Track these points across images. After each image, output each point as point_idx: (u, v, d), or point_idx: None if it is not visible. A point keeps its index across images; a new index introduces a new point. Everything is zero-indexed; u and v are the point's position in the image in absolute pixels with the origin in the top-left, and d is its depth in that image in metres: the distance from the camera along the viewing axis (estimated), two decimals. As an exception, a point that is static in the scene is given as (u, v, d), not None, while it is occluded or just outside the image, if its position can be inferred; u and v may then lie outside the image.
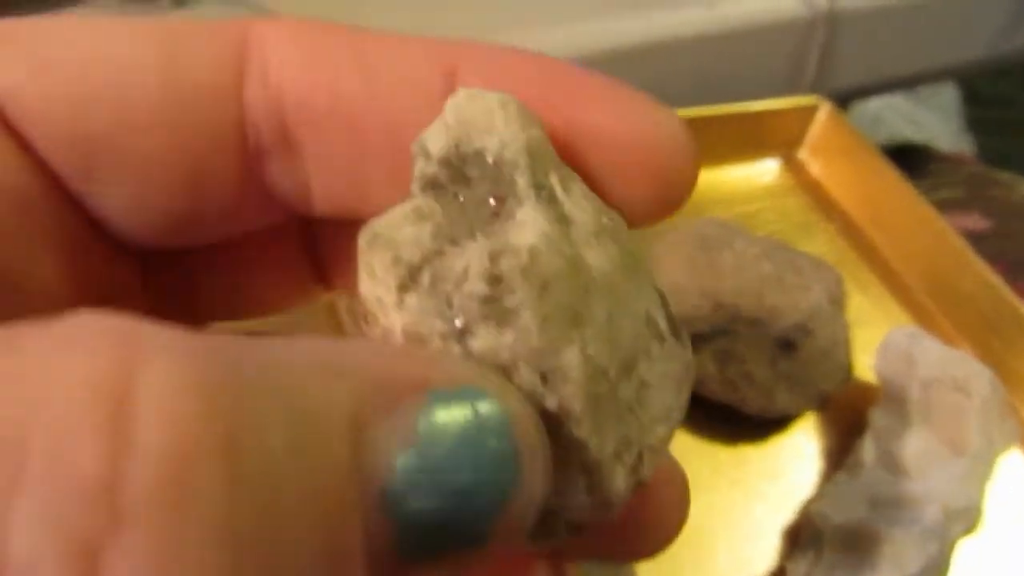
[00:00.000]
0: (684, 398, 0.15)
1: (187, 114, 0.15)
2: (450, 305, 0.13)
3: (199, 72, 0.15)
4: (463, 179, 0.14)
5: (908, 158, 0.68)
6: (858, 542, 0.38)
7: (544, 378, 0.13)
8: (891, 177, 0.55)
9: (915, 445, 0.41)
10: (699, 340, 0.42)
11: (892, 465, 0.41)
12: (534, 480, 0.12)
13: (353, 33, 0.16)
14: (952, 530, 0.38)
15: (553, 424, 0.13)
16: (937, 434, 0.41)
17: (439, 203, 0.14)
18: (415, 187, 0.14)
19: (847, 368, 0.44)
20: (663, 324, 0.15)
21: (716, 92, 0.59)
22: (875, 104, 0.84)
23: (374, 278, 0.13)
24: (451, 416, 0.11)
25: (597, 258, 0.14)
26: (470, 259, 0.13)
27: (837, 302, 0.45)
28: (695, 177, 0.15)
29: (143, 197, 0.15)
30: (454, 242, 0.13)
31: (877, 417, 0.43)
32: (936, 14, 0.71)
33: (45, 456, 0.08)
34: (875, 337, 0.46)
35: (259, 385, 0.10)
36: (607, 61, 0.57)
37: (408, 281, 0.13)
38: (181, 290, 0.19)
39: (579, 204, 0.14)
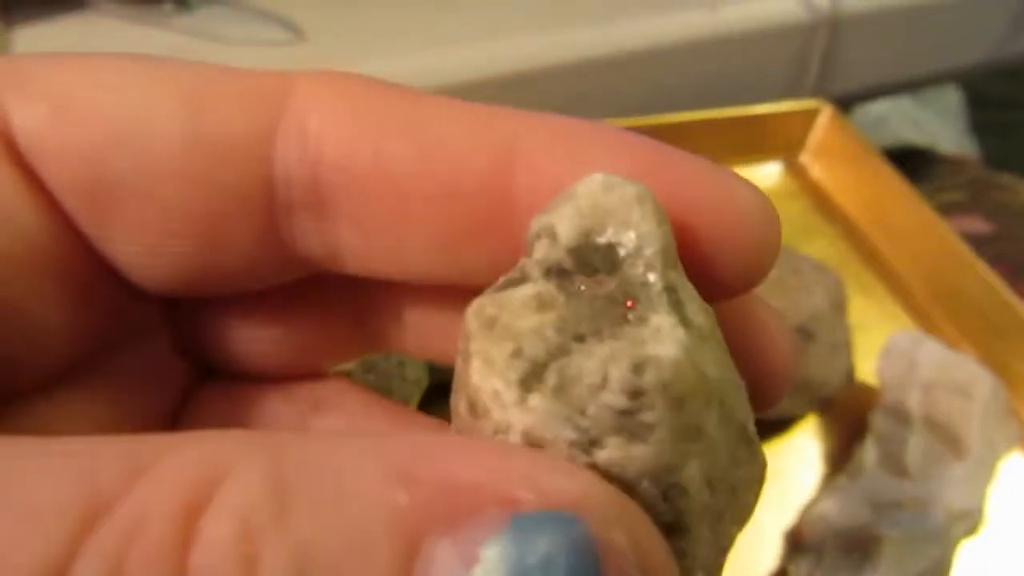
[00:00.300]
0: (758, 497, 0.15)
1: (210, 167, 0.14)
2: (582, 412, 0.12)
3: (227, 124, 0.14)
4: (591, 270, 0.13)
5: (911, 161, 0.68)
6: (860, 544, 0.38)
7: (665, 493, 0.12)
8: (893, 180, 0.55)
9: (917, 448, 0.41)
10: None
11: (894, 468, 0.41)
12: None
13: (406, 94, 0.15)
14: (954, 532, 0.39)
15: (664, 534, 0.12)
16: (939, 437, 0.41)
17: (562, 292, 0.13)
18: (534, 269, 0.14)
19: (849, 371, 0.44)
20: (750, 427, 0.14)
21: (718, 96, 0.59)
22: (878, 107, 0.84)
23: (491, 367, 0.12)
24: (526, 547, 0.10)
25: (712, 367, 0.13)
26: (607, 366, 0.12)
27: (838, 305, 0.45)
28: (778, 248, 0.15)
29: (159, 247, 0.15)
30: (580, 339, 0.13)
31: (879, 420, 0.43)
32: (938, 17, 0.71)
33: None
34: (877, 340, 0.46)
35: (312, 494, 0.10)
36: (610, 66, 0.58)
37: (532, 378, 0.12)
38: (208, 337, 0.18)
39: (693, 304, 0.14)
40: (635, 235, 0.13)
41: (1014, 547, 0.42)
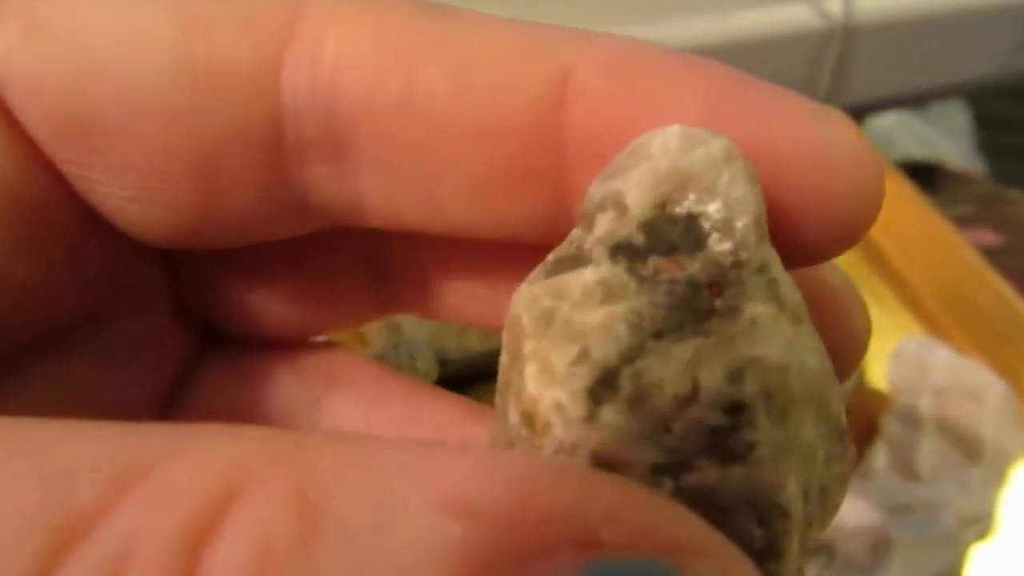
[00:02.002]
0: (845, 494, 0.13)
1: (204, 98, 0.12)
2: (667, 430, 0.10)
3: (224, 49, 0.12)
4: (669, 248, 0.11)
5: (919, 175, 0.69)
6: (871, 547, 0.38)
7: (761, 518, 0.10)
8: (903, 189, 0.55)
9: (928, 452, 0.41)
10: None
11: (905, 471, 0.41)
12: None
13: (438, 12, 0.13)
14: (965, 536, 0.38)
15: (755, 563, 0.10)
16: (951, 441, 0.41)
17: (633, 277, 0.11)
18: (597, 248, 0.11)
19: (859, 376, 0.44)
20: (843, 419, 0.12)
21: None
22: (886, 122, 0.84)
23: (551, 374, 0.10)
24: None
25: (811, 357, 0.11)
26: (695, 371, 0.10)
27: (850, 310, 0.45)
28: (882, 200, 0.12)
29: (148, 190, 0.13)
30: (657, 336, 0.10)
31: (889, 424, 0.43)
32: (952, 30, 0.71)
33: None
34: (887, 348, 0.46)
35: (346, 521, 0.08)
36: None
37: (602, 387, 0.10)
38: (213, 298, 0.17)
39: (785, 280, 0.11)
40: (723, 204, 0.11)
41: (1026, 554, 0.41)
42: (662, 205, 0.11)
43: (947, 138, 0.87)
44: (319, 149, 0.13)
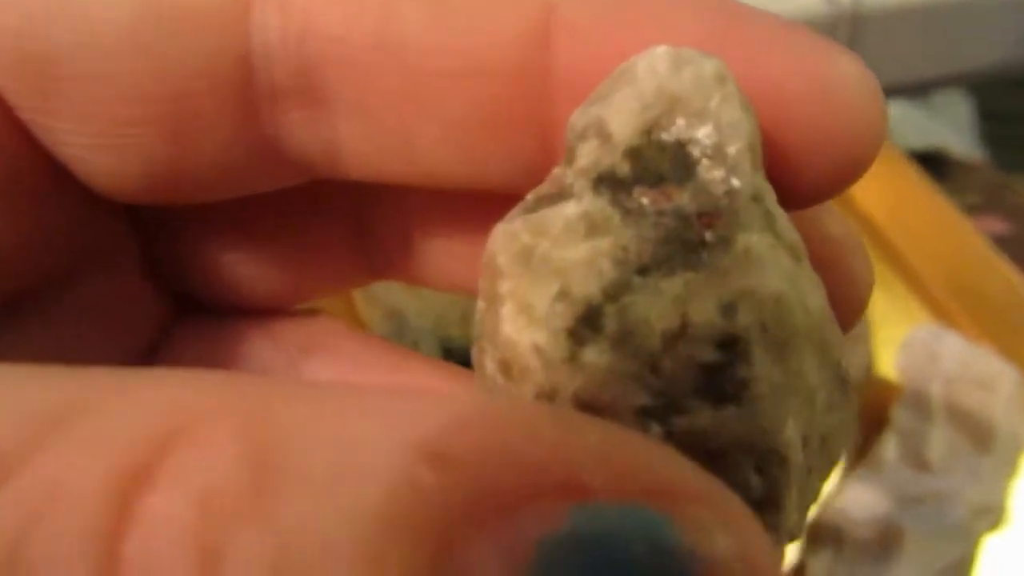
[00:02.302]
0: (850, 443, 0.12)
1: (169, 38, 0.12)
2: (654, 371, 0.09)
3: None
4: (656, 178, 0.10)
5: (925, 165, 0.68)
6: (881, 539, 0.37)
7: (759, 464, 0.10)
8: (912, 177, 0.54)
9: (939, 442, 0.40)
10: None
11: (916, 462, 0.40)
12: None
13: None
14: (977, 527, 0.38)
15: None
16: (961, 431, 0.41)
17: (618, 209, 0.10)
18: (579, 181, 0.11)
19: (868, 366, 0.44)
20: (845, 364, 0.12)
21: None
22: (890, 112, 0.83)
23: (529, 314, 0.10)
24: (594, 551, 0.07)
25: (812, 296, 0.10)
26: (685, 306, 0.09)
27: (858, 298, 0.44)
28: (884, 136, 0.12)
29: (113, 137, 0.12)
30: (644, 272, 0.10)
31: (900, 414, 0.42)
32: (962, 17, 0.71)
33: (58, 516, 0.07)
34: (896, 336, 0.45)
35: (304, 469, 0.07)
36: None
37: (584, 327, 0.09)
38: (186, 260, 0.16)
39: (782, 216, 0.11)
40: (714, 128, 0.10)
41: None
42: (648, 131, 0.10)
43: (949, 128, 0.87)
44: (292, 93, 0.12)
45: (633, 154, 0.10)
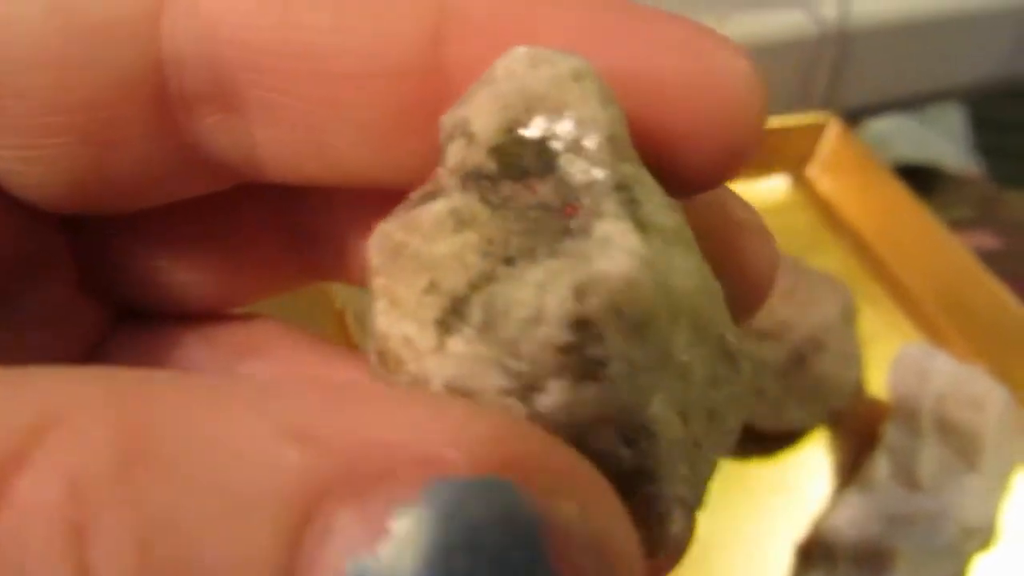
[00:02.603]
0: (744, 417, 0.13)
1: (81, 50, 0.12)
2: (515, 355, 0.10)
3: (98, 1, 0.12)
4: (520, 173, 0.11)
5: (917, 178, 0.68)
6: (872, 558, 0.38)
7: (626, 438, 0.10)
8: (901, 195, 0.55)
9: (929, 461, 0.40)
10: (710, 353, 0.42)
11: (906, 481, 0.40)
12: None
13: None
14: (967, 547, 0.38)
15: (626, 483, 0.10)
16: (952, 449, 0.41)
17: (486, 205, 0.11)
18: (450, 179, 0.11)
19: (858, 383, 0.44)
20: (730, 339, 0.12)
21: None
22: (883, 125, 0.84)
23: (400, 309, 0.10)
24: (449, 520, 0.08)
25: (681, 278, 0.11)
26: (542, 292, 0.10)
27: (849, 317, 0.45)
28: (764, 124, 0.12)
29: (34, 150, 0.13)
30: (509, 262, 0.10)
31: (890, 432, 0.42)
32: (946, 33, 0.71)
33: None
34: (886, 354, 0.45)
35: (172, 451, 0.08)
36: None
37: (451, 317, 0.10)
38: (120, 270, 0.16)
39: (654, 201, 0.11)
40: (573, 123, 0.11)
41: (1029, 563, 0.41)
42: (510, 129, 0.11)
43: (944, 140, 0.87)
44: (207, 99, 0.13)
45: (497, 151, 0.11)
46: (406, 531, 0.08)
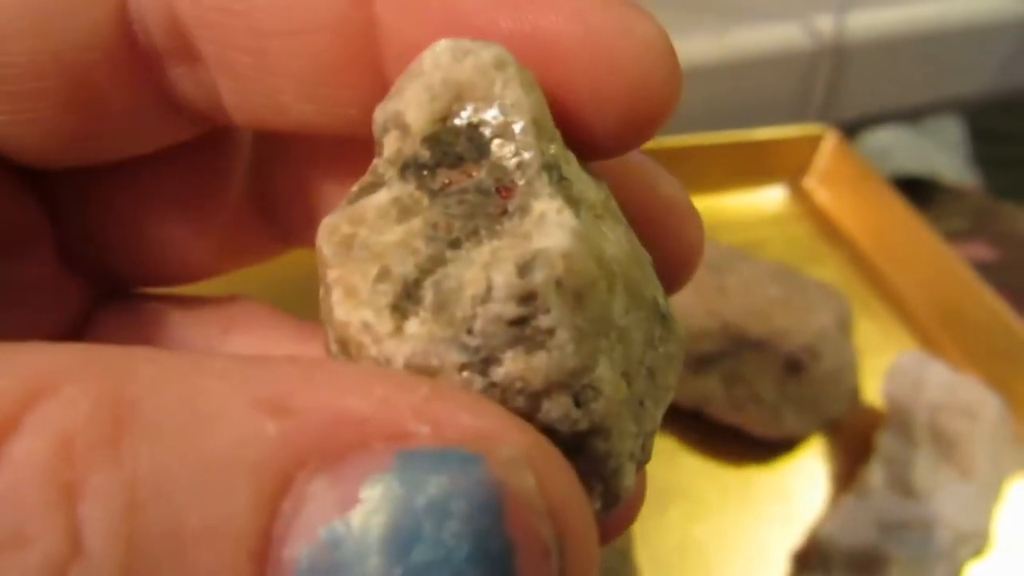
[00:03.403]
0: (679, 372, 0.14)
1: (53, 17, 0.13)
2: (469, 331, 0.10)
3: None
4: (455, 160, 0.12)
5: (914, 190, 0.69)
6: (866, 564, 0.38)
7: (576, 399, 0.11)
8: (897, 206, 0.55)
9: (923, 469, 0.41)
10: (706, 361, 0.42)
11: (900, 488, 0.41)
12: None
13: None
14: (960, 553, 0.38)
15: (580, 442, 0.11)
16: (945, 458, 0.41)
17: (425, 192, 0.11)
18: (388, 170, 0.12)
19: (855, 392, 0.44)
20: (662, 302, 0.13)
21: (725, 120, 0.60)
22: (881, 137, 0.84)
23: (355, 298, 0.11)
24: (414, 488, 0.08)
25: (612, 247, 0.12)
26: (489, 271, 0.10)
27: (845, 326, 0.45)
28: (677, 92, 0.12)
29: (24, 112, 0.13)
30: (455, 244, 0.11)
31: (885, 441, 0.43)
32: (941, 46, 0.72)
33: None
34: (882, 363, 0.46)
35: (158, 418, 0.08)
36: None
37: (405, 301, 0.11)
38: (102, 236, 0.17)
39: (580, 178, 0.12)
40: (499, 109, 0.11)
41: (1020, 569, 0.41)
42: (442, 119, 0.12)
43: (942, 152, 0.88)
44: (172, 52, 0.14)
45: (431, 140, 0.12)
46: (376, 498, 0.08)
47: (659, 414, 0.13)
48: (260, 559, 0.08)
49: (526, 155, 0.11)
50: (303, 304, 0.17)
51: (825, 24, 0.64)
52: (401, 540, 0.08)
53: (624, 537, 0.37)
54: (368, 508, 0.08)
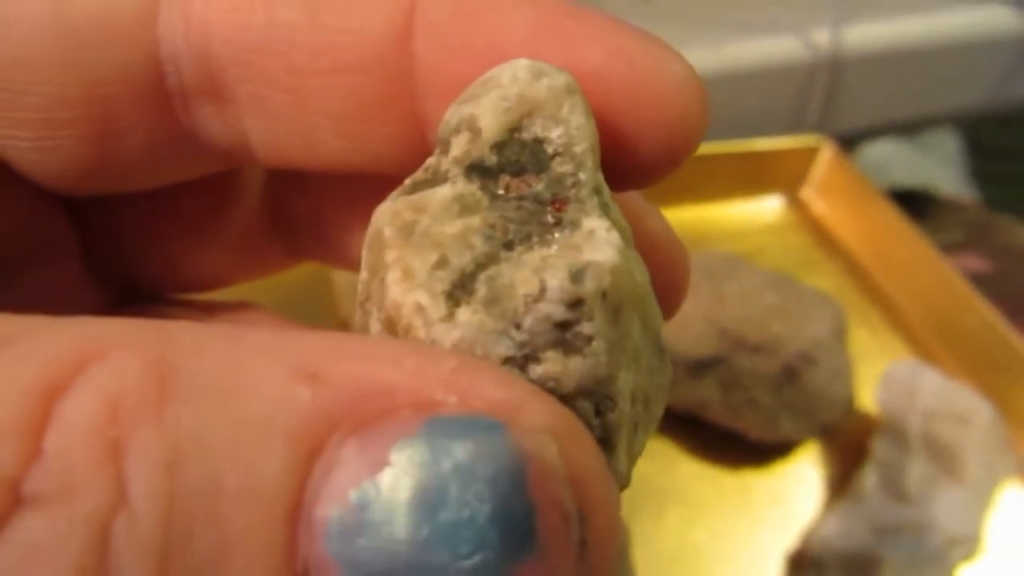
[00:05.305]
0: (664, 404, 0.14)
1: (86, 50, 0.13)
2: (518, 326, 0.11)
3: (100, 3, 0.13)
4: (517, 169, 0.12)
5: (910, 203, 0.70)
6: (860, 567, 0.39)
7: (597, 408, 0.11)
8: (893, 216, 0.56)
9: (916, 473, 0.41)
10: (704, 366, 0.43)
11: (894, 492, 0.41)
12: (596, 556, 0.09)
13: None
14: (952, 556, 0.39)
15: None
16: (938, 463, 0.42)
17: (486, 194, 0.12)
18: (454, 168, 0.12)
19: (849, 399, 0.45)
20: (662, 335, 0.14)
21: (723, 131, 0.61)
22: (877, 151, 0.85)
23: (412, 280, 0.11)
24: (441, 452, 0.09)
25: (637, 272, 0.12)
26: (543, 274, 0.11)
27: (840, 334, 0.46)
28: (705, 125, 0.13)
29: (46, 139, 0.14)
30: (508, 246, 0.12)
31: (879, 446, 0.43)
32: (937, 60, 0.72)
33: None
34: (877, 371, 0.46)
35: (199, 383, 0.09)
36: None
37: (459, 290, 0.11)
38: (125, 247, 0.17)
39: (615, 205, 0.13)
40: (565, 130, 0.12)
41: (1011, 572, 0.42)
42: (512, 129, 0.12)
43: (939, 166, 0.88)
44: (201, 91, 0.14)
45: (498, 147, 0.12)
46: (404, 462, 0.09)
47: (645, 440, 0.14)
48: (292, 518, 0.09)
49: (582, 175, 0.12)
50: (303, 311, 0.18)
51: (822, 38, 0.65)
52: (428, 502, 0.09)
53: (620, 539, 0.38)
54: (397, 471, 0.09)
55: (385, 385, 0.09)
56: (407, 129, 0.14)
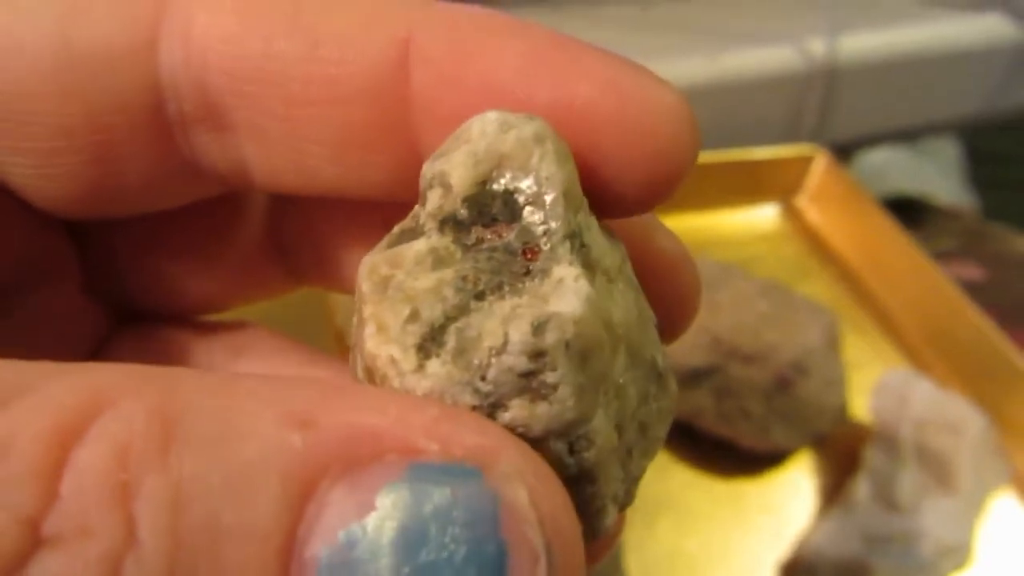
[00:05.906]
0: (669, 426, 0.15)
1: (88, 80, 0.13)
2: (483, 378, 0.11)
3: (102, 32, 0.13)
4: (489, 221, 0.13)
5: (906, 211, 0.70)
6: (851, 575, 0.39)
7: (571, 447, 0.12)
8: (887, 225, 0.56)
9: (908, 483, 0.42)
10: (697, 375, 0.43)
11: (886, 502, 0.41)
12: None
13: None
14: (943, 566, 0.39)
15: (571, 485, 0.12)
16: (929, 472, 0.42)
17: (459, 246, 0.13)
18: (429, 222, 0.13)
19: (842, 408, 0.45)
20: (660, 361, 0.14)
21: (719, 140, 0.61)
22: (877, 157, 0.85)
23: (385, 334, 0.12)
24: (422, 496, 0.09)
25: (619, 310, 0.13)
26: (507, 326, 0.11)
27: (833, 343, 0.46)
28: (695, 155, 0.13)
29: (48, 167, 0.14)
30: (479, 297, 0.12)
31: (871, 455, 0.43)
32: (933, 69, 0.73)
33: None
34: (870, 380, 0.47)
35: (199, 430, 0.09)
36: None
37: (430, 343, 0.12)
38: (124, 268, 0.18)
39: (598, 242, 0.13)
40: (534, 180, 0.13)
41: (1004, 583, 0.42)
42: (482, 182, 0.13)
43: (938, 173, 0.89)
44: (200, 119, 0.14)
45: (470, 200, 0.13)
46: (389, 505, 0.09)
47: (646, 463, 0.14)
48: (285, 556, 0.09)
49: (553, 224, 0.13)
50: (298, 324, 0.18)
51: (817, 47, 0.65)
52: (410, 542, 0.09)
53: (615, 548, 0.38)
54: (382, 514, 0.09)
55: (372, 431, 0.10)
56: (403, 158, 0.14)
